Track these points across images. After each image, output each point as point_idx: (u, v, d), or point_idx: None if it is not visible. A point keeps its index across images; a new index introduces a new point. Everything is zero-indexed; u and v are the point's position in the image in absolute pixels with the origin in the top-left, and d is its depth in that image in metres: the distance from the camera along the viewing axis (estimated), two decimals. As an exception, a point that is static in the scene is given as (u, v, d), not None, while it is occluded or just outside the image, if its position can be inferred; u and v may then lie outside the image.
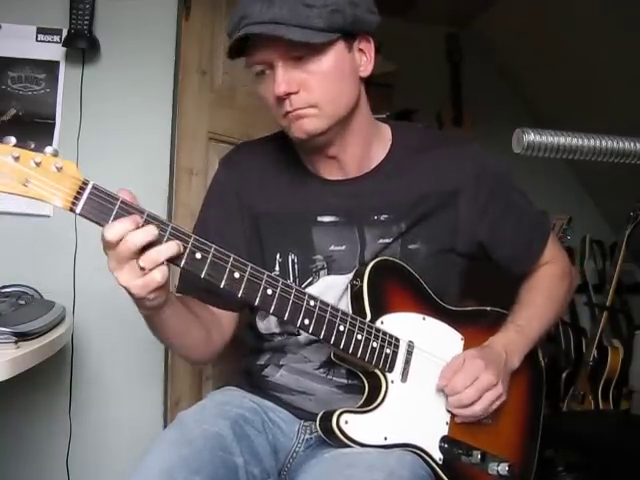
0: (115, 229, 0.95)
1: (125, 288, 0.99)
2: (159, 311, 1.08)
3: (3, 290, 1.61)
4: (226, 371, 1.48)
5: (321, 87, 1.16)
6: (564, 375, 2.93)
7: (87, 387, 1.84)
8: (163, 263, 0.98)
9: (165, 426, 1.86)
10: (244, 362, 1.37)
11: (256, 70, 1.17)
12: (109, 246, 0.96)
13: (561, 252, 1.43)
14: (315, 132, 1.18)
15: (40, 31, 1.82)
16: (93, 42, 1.80)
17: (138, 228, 0.96)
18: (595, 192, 3.46)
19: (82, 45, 1.79)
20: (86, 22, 1.77)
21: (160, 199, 1.89)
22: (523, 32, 3.04)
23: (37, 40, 1.82)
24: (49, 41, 1.83)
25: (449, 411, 1.19)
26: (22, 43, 1.81)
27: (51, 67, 1.83)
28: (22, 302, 1.49)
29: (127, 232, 0.95)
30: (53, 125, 1.82)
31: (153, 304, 1.04)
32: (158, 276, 0.98)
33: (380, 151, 1.30)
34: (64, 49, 1.82)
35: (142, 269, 0.97)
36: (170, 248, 0.98)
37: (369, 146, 1.28)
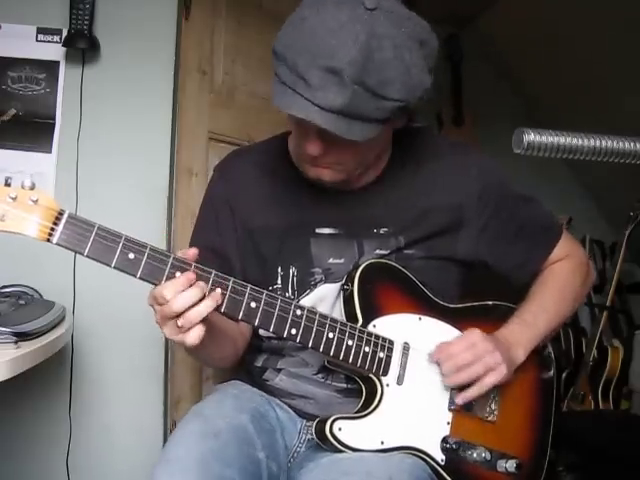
0: (170, 291, 0.98)
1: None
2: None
3: (3, 290, 1.61)
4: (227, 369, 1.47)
5: (354, 156, 1.15)
6: (564, 375, 2.92)
7: (87, 387, 1.84)
8: (201, 322, 1.01)
9: (165, 426, 1.86)
10: (245, 360, 1.36)
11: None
12: (157, 303, 1.00)
13: (576, 248, 1.40)
14: (330, 181, 1.18)
15: (40, 31, 1.82)
16: (93, 42, 1.80)
17: (185, 289, 0.99)
18: (595, 192, 3.45)
19: (82, 45, 1.79)
20: (86, 22, 1.77)
21: (160, 199, 1.89)
22: (523, 32, 3.04)
23: (37, 40, 1.82)
24: (49, 41, 1.83)
25: (451, 410, 1.19)
26: (22, 43, 1.81)
27: (51, 67, 1.83)
28: (22, 302, 1.49)
29: (177, 293, 0.99)
30: (53, 125, 1.82)
31: (194, 347, 1.05)
32: (193, 337, 1.01)
33: (382, 159, 1.28)
34: (64, 49, 1.82)
35: (180, 327, 1.00)
36: (208, 307, 1.01)
37: (377, 160, 1.27)
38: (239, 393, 1.25)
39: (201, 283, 1.01)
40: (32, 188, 0.95)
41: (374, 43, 1.01)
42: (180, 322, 0.99)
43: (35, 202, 0.95)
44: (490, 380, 1.16)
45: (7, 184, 0.95)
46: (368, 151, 1.18)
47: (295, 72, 1.03)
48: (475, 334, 1.17)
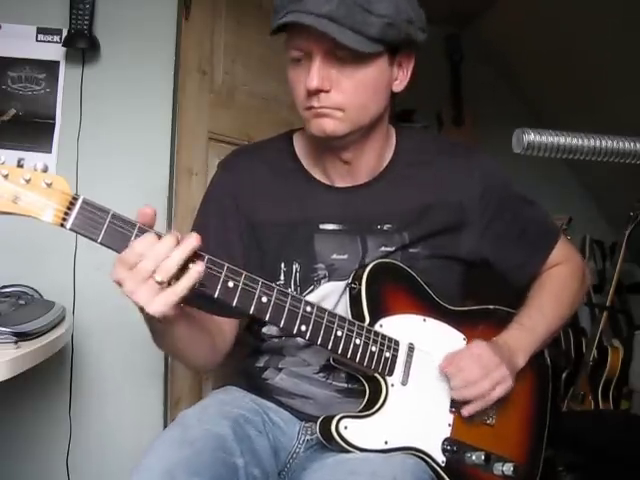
0: (143, 245, 0.93)
1: (142, 308, 0.96)
2: (172, 325, 1.05)
3: (3, 290, 1.61)
4: (226, 371, 1.47)
5: (354, 93, 1.15)
6: (564, 375, 2.92)
7: (87, 387, 1.84)
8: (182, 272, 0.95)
9: (165, 426, 1.86)
10: (244, 363, 1.36)
11: (292, 56, 1.16)
12: (130, 264, 0.94)
13: (572, 252, 1.41)
14: (334, 134, 1.17)
15: (40, 31, 1.83)
16: (93, 42, 1.80)
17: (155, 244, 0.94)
18: (595, 192, 3.46)
19: (82, 45, 1.79)
20: (86, 22, 1.77)
21: (160, 199, 1.89)
22: (523, 32, 3.04)
23: (37, 40, 1.83)
24: (49, 41, 1.83)
25: (452, 412, 1.19)
26: (22, 43, 1.82)
27: (51, 67, 1.83)
28: (22, 302, 1.49)
29: (147, 250, 0.93)
30: (53, 125, 1.82)
31: (169, 319, 1.00)
32: (182, 287, 0.95)
33: (385, 157, 1.29)
34: (64, 49, 1.82)
35: (159, 284, 0.94)
36: (185, 251, 0.94)
37: (382, 155, 1.28)
38: (229, 400, 1.24)
39: (175, 232, 0.96)
40: (45, 171, 0.91)
41: None
42: (159, 276, 0.93)
43: (49, 185, 0.91)
44: (496, 394, 1.17)
45: (20, 165, 0.90)
46: (368, 96, 1.17)
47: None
48: (481, 347, 1.18)
